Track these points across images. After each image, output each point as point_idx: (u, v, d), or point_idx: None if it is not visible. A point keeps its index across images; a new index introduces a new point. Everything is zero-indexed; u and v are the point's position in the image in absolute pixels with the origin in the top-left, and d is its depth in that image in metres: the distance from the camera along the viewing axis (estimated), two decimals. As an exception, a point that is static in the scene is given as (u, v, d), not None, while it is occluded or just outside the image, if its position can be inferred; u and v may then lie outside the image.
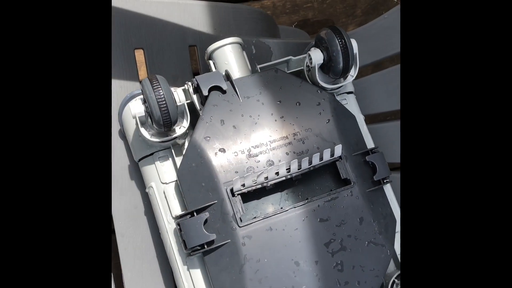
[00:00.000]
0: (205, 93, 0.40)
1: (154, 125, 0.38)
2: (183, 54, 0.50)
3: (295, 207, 0.38)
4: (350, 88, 0.47)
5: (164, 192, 0.41)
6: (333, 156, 0.39)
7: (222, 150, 0.39)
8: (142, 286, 0.45)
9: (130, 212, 0.46)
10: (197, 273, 0.39)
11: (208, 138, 0.39)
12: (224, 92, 0.40)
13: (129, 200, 0.46)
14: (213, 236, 0.37)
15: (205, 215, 0.37)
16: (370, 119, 0.51)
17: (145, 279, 0.45)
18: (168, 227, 0.41)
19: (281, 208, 0.38)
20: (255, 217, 0.38)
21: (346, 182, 0.40)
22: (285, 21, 0.79)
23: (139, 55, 0.49)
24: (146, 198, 0.45)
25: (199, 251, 0.37)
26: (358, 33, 0.50)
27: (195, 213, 0.37)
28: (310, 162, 0.39)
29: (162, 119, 0.37)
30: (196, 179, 0.38)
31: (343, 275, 0.38)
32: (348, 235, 0.38)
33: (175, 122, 0.38)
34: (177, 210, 0.40)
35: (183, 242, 0.37)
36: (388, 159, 0.48)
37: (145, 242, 0.46)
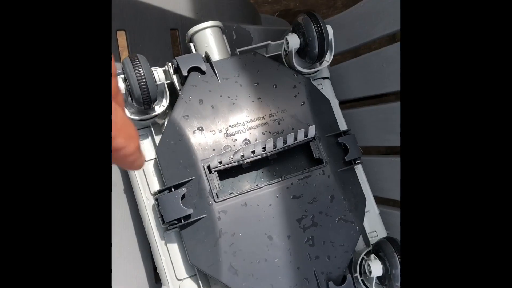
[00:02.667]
0: (185, 73, 0.41)
1: (134, 103, 0.39)
2: (165, 37, 0.51)
3: (269, 185, 0.40)
4: (326, 73, 0.48)
5: (143, 170, 0.42)
6: (306, 136, 0.41)
7: (200, 129, 0.40)
8: (121, 262, 0.46)
9: (109, 189, 0.47)
10: (174, 247, 0.41)
11: (187, 117, 0.40)
12: (203, 73, 0.42)
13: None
14: (190, 211, 0.38)
15: (183, 190, 0.38)
16: (345, 105, 0.53)
17: (123, 255, 0.47)
18: (147, 203, 0.42)
19: (256, 185, 0.40)
20: (231, 193, 0.39)
21: (319, 161, 0.42)
22: (267, 10, 0.81)
23: (122, 40, 0.50)
24: (126, 176, 0.46)
25: (176, 225, 0.39)
26: (335, 21, 0.52)
27: (172, 189, 0.39)
28: (284, 142, 0.40)
29: (142, 97, 0.38)
30: (174, 156, 0.39)
31: (314, 249, 0.40)
32: (319, 212, 0.40)
33: (155, 100, 0.39)
34: (156, 187, 0.42)
35: (161, 217, 0.39)
36: (360, 143, 0.50)
37: (124, 220, 0.47)
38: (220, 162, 0.39)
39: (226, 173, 0.41)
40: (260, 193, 0.40)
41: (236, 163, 0.40)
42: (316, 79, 0.48)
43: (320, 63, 0.45)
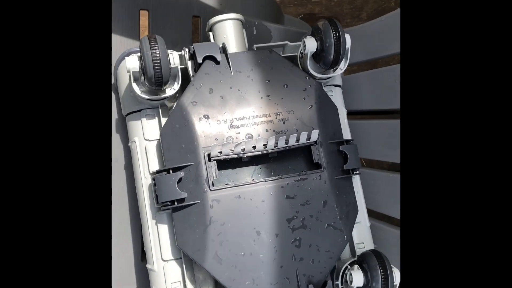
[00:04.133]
0: (199, 60, 0.42)
1: (146, 82, 0.40)
2: (186, 23, 0.52)
3: (265, 181, 0.41)
4: (339, 81, 0.49)
5: (145, 148, 0.43)
6: (309, 140, 0.41)
7: (206, 117, 0.41)
8: (113, 239, 0.47)
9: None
10: (164, 229, 0.42)
11: (195, 103, 0.41)
12: (217, 63, 0.42)
13: (112, 153, 0.48)
14: (184, 194, 0.39)
15: (180, 174, 0.39)
16: (353, 115, 0.53)
17: (114, 228, 0.47)
18: (144, 181, 0.43)
19: (253, 180, 0.41)
20: (226, 184, 0.40)
21: (317, 166, 0.42)
22: (292, 11, 0.81)
23: (144, 19, 0.51)
24: (128, 153, 0.47)
25: (169, 207, 0.39)
26: (356, 31, 0.52)
27: (171, 171, 0.39)
28: (286, 142, 0.41)
29: (154, 77, 0.39)
30: (177, 140, 0.40)
31: (300, 251, 0.40)
32: (310, 215, 0.41)
33: (166, 82, 0.40)
34: (155, 167, 0.42)
35: (156, 197, 0.40)
36: (363, 155, 0.50)
37: (119, 195, 0.48)
38: (221, 152, 0.40)
39: (225, 164, 0.41)
40: (255, 188, 0.40)
41: (236, 156, 0.40)
42: (328, 85, 0.48)
43: (334, 70, 0.45)
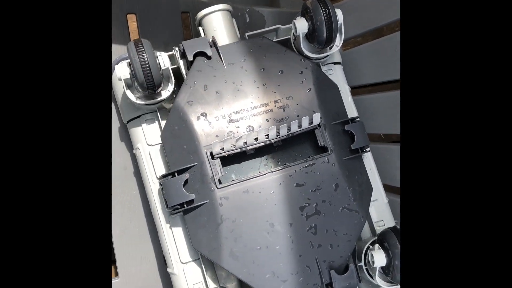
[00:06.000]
0: (190, 58, 0.41)
1: (139, 87, 0.39)
2: (176, 21, 0.51)
3: (272, 172, 0.40)
4: (338, 58, 0.47)
5: (149, 154, 0.43)
6: (311, 124, 0.40)
7: (204, 115, 0.40)
8: (129, 242, 0.47)
9: (120, 172, 0.48)
10: (179, 231, 0.41)
11: (191, 103, 0.40)
12: (209, 58, 0.41)
13: (119, 161, 0.48)
14: (192, 196, 0.38)
15: (185, 176, 0.39)
16: (357, 90, 0.51)
17: (132, 235, 0.48)
18: (153, 187, 0.42)
19: (259, 172, 0.40)
20: (233, 180, 0.39)
21: (324, 149, 0.41)
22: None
23: (132, 22, 0.50)
24: (135, 159, 0.47)
25: (179, 210, 0.39)
26: (347, 4, 0.50)
27: (176, 174, 0.39)
28: (288, 129, 0.40)
29: (145, 82, 0.38)
30: (178, 142, 0.40)
31: (317, 238, 0.39)
32: (323, 200, 0.40)
33: (159, 85, 0.39)
34: (162, 171, 0.42)
35: (165, 201, 0.39)
36: (372, 130, 0.49)
37: (133, 202, 0.48)
38: (223, 149, 0.39)
39: (229, 160, 0.41)
40: (262, 180, 0.39)
41: (239, 150, 0.40)
42: (327, 64, 0.47)
43: (330, 48, 0.44)
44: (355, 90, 0.50)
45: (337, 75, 0.46)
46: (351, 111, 0.45)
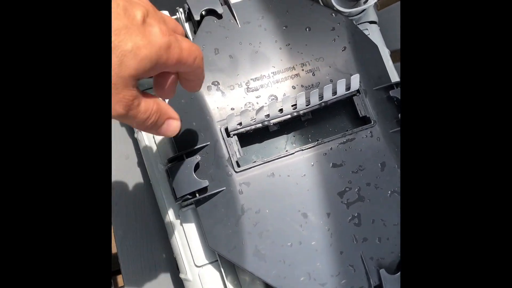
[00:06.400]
0: (197, 18, 0.34)
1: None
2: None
3: (302, 150, 0.33)
4: (373, 17, 0.40)
5: (153, 137, 0.36)
6: (349, 89, 0.33)
7: (216, 83, 0.33)
8: (135, 245, 0.41)
9: (121, 162, 0.41)
10: (191, 228, 0.35)
11: (200, 70, 0.33)
12: (220, 17, 0.34)
13: (120, 149, 0.41)
14: (205, 183, 0.32)
15: (196, 158, 0.32)
16: (396, 56, 0.44)
17: (138, 237, 0.41)
18: (159, 176, 0.36)
19: (286, 151, 0.32)
20: (254, 161, 0.32)
21: (365, 120, 0.34)
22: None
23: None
24: (138, 145, 0.40)
25: (190, 201, 0.32)
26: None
27: (184, 157, 0.32)
28: (321, 97, 0.32)
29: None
30: (186, 118, 0.33)
31: (361, 230, 0.32)
32: (366, 183, 0.33)
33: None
34: (169, 156, 0.35)
35: (173, 191, 0.32)
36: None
37: (138, 197, 0.41)
38: (240, 124, 0.32)
39: (248, 138, 0.34)
40: (291, 161, 0.32)
41: (260, 125, 0.32)
42: (361, 23, 0.39)
43: (365, 2, 0.36)
44: (394, 55, 0.42)
45: (374, 37, 0.39)
46: (393, 76, 0.38)
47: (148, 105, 0.24)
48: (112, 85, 0.21)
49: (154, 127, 0.26)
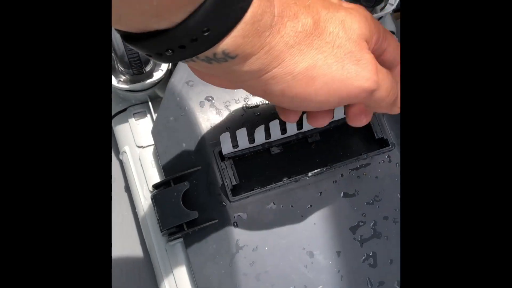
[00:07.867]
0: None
1: (119, 66, 0.29)
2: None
3: (308, 177, 0.28)
4: (391, 26, 0.36)
5: (139, 159, 0.32)
6: (363, 106, 0.29)
7: (210, 99, 0.29)
8: (121, 280, 0.36)
9: (106, 186, 0.37)
10: (179, 264, 0.30)
11: (192, 83, 0.30)
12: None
13: (106, 172, 0.37)
14: (194, 214, 0.28)
15: (185, 185, 0.28)
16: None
17: (125, 271, 0.36)
18: (144, 203, 0.32)
19: (290, 177, 0.28)
20: (252, 189, 0.28)
21: (382, 143, 0.30)
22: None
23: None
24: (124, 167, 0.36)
25: (178, 234, 0.28)
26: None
27: (172, 183, 0.28)
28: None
29: (127, 55, 0.28)
30: (175, 138, 0.29)
31: (376, 272, 0.28)
32: (383, 217, 0.29)
33: (148, 61, 0.29)
34: (156, 181, 0.31)
35: (159, 222, 0.28)
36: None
37: (125, 225, 0.37)
38: (237, 146, 0.28)
39: (246, 162, 0.30)
40: (295, 189, 0.28)
41: (260, 147, 0.29)
42: (376, 33, 0.35)
43: (382, 9, 0.33)
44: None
45: (390, 48, 0.35)
46: (414, 94, 0.33)
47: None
48: None
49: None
